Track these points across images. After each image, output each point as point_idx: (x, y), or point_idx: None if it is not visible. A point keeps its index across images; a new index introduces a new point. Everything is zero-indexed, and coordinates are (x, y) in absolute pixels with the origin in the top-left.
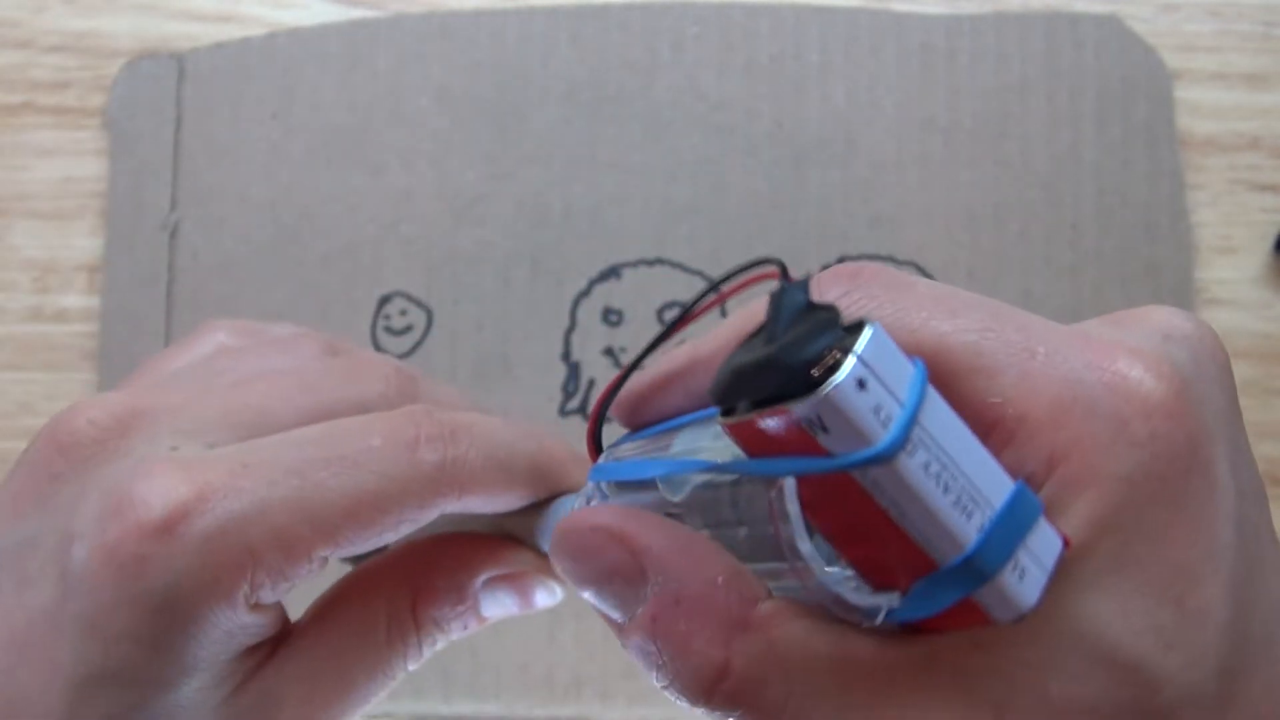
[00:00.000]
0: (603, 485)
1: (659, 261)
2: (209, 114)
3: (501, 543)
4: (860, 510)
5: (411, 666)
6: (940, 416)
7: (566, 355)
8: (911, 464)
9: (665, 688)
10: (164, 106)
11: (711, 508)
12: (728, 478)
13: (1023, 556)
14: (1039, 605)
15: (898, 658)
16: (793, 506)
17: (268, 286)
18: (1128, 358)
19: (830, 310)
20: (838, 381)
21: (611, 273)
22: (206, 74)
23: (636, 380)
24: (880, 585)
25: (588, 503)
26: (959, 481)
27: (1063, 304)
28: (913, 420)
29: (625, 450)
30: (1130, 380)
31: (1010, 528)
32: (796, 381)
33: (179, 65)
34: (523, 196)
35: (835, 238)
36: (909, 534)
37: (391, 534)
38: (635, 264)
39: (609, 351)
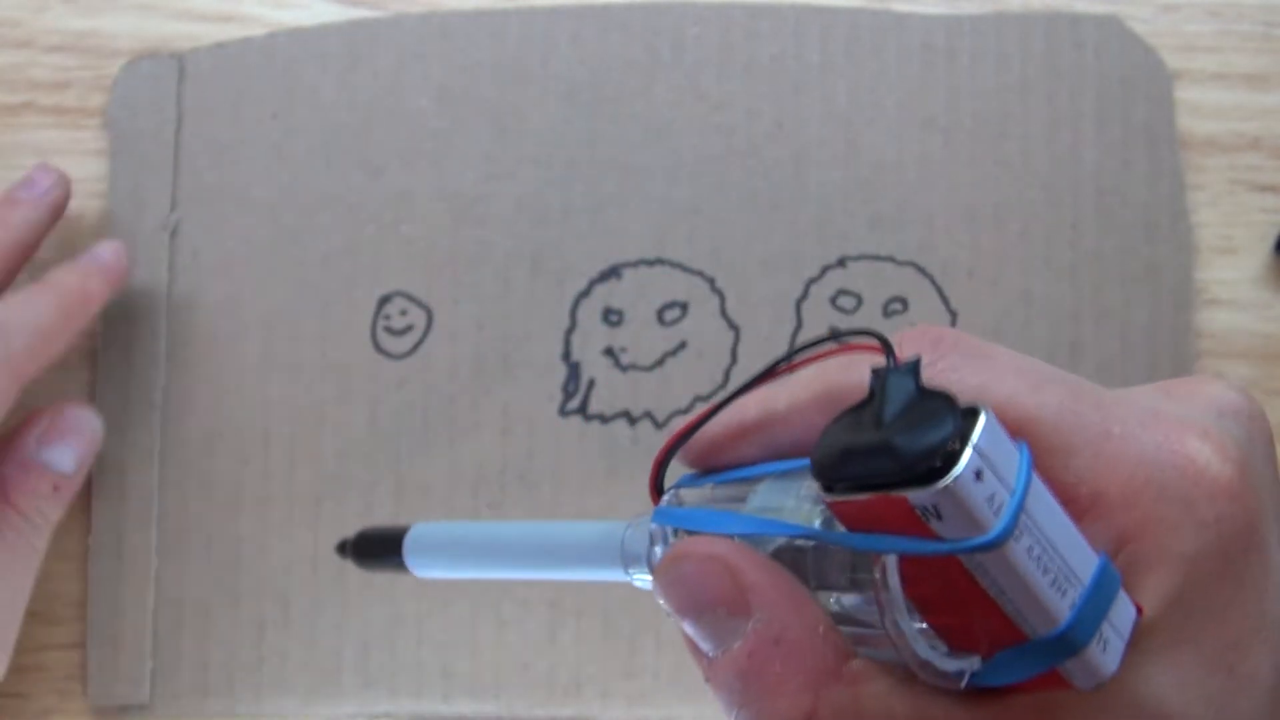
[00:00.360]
0: (667, 528)
1: (659, 261)
2: (209, 114)
3: (43, 409)
4: (957, 585)
5: (42, 544)
6: (1041, 500)
7: (567, 355)
8: (1018, 549)
9: None
10: (164, 106)
11: (789, 568)
12: (810, 541)
13: (1105, 628)
14: (1118, 673)
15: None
16: (894, 581)
17: (268, 286)
18: (1197, 439)
19: (945, 398)
20: (958, 474)
21: (612, 273)
22: (207, 74)
23: (711, 428)
24: (959, 647)
25: (650, 542)
26: (1056, 562)
27: (1062, 304)
28: (1021, 508)
29: (690, 495)
30: (1198, 462)
31: (1098, 603)
32: (914, 471)
33: (179, 65)
34: (522, 196)
35: (835, 238)
36: (1004, 609)
37: None
38: (635, 264)
39: (609, 351)
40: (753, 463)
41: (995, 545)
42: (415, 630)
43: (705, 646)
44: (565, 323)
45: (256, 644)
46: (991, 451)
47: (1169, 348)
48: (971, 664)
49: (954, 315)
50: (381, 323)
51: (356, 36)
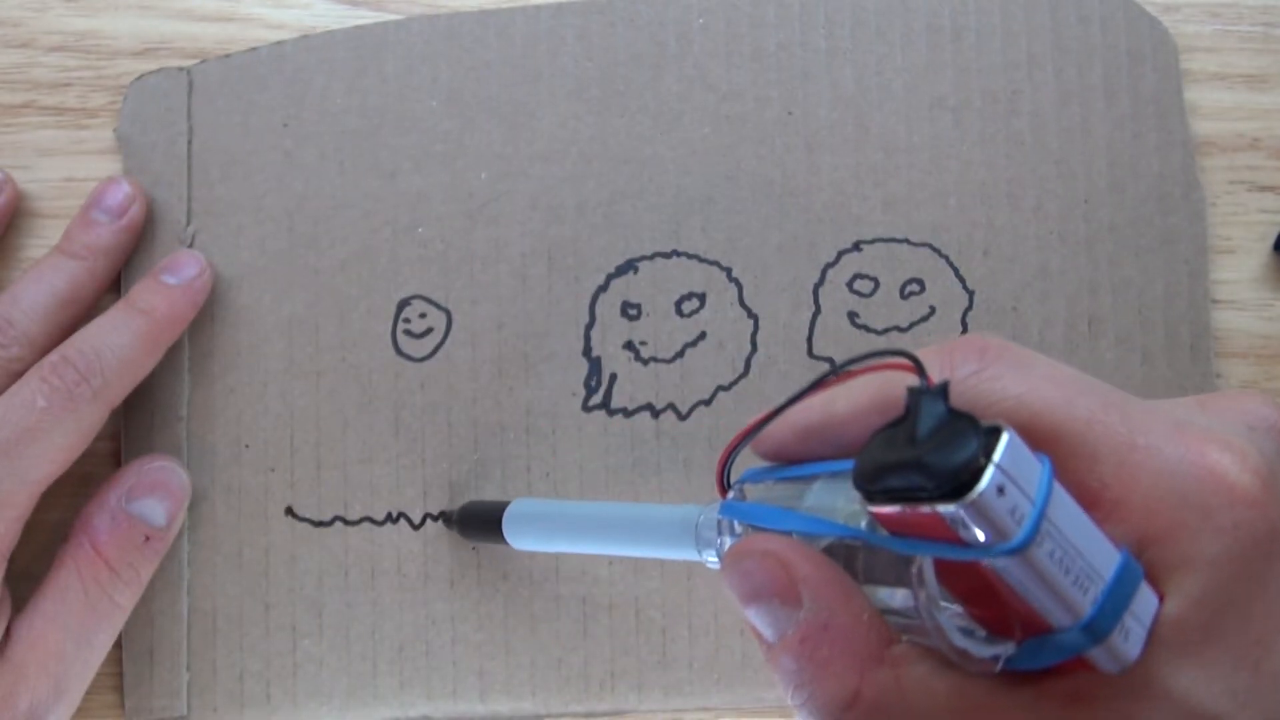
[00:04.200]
0: (733, 520)
1: (675, 253)
2: (220, 126)
3: (130, 463)
4: (988, 582)
5: (126, 600)
6: (1063, 507)
7: (587, 351)
8: (1039, 553)
9: (800, 706)
10: (175, 120)
11: (840, 563)
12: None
13: (1127, 618)
14: (1140, 658)
15: (1006, 700)
16: (930, 578)
17: (286, 295)
18: (1218, 450)
19: (970, 420)
20: (982, 490)
21: (628, 266)
22: (215, 86)
23: (778, 428)
24: (995, 633)
25: (718, 531)
26: (1077, 563)
27: (1079, 278)
28: (1042, 518)
29: (753, 490)
30: (1217, 472)
31: (1119, 597)
32: (943, 486)
33: (188, 78)
34: (536, 194)
35: (849, 222)
36: (1031, 605)
37: (48, 459)
38: (652, 257)
39: (629, 345)
40: (815, 459)
41: (1017, 552)
42: (449, 631)
43: (766, 633)
44: (584, 318)
45: (291, 652)
46: (1013, 467)
47: (1186, 317)
48: (1007, 649)
49: (971, 295)
50: (401, 326)
51: (363, 42)
